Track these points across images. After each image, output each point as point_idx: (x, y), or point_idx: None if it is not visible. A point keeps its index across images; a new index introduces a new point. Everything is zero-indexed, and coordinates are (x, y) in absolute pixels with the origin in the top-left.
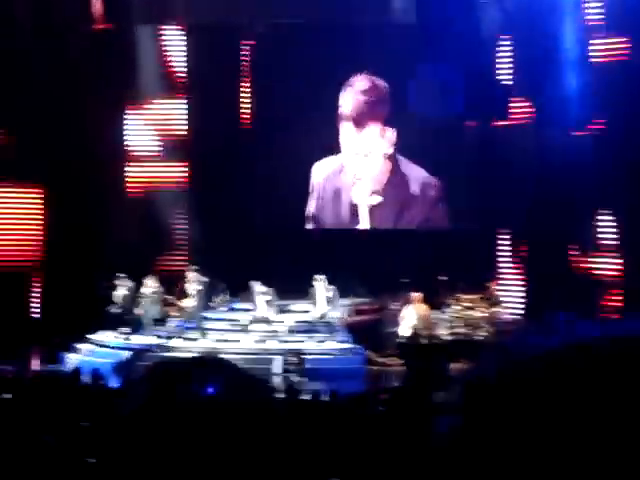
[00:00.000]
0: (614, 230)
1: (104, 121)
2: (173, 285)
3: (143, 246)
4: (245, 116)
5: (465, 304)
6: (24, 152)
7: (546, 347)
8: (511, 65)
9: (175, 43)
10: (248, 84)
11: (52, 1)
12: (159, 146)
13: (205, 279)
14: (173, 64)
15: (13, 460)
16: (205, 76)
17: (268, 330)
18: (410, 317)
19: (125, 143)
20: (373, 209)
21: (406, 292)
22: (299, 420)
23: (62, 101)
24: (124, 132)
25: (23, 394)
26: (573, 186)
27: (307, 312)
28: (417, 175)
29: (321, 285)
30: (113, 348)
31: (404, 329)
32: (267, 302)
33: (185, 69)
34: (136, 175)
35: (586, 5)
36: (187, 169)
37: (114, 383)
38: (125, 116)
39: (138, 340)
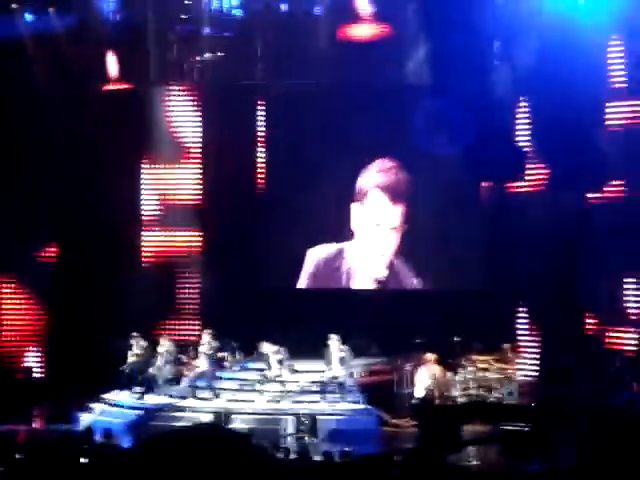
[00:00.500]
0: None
1: (119, 182)
2: (187, 346)
3: (156, 306)
4: (260, 180)
5: (479, 365)
6: (38, 211)
7: None
8: (528, 127)
9: (189, 105)
10: (263, 147)
11: (69, 60)
12: (173, 210)
13: (216, 343)
14: (187, 126)
15: None
16: (219, 138)
17: (281, 390)
18: (424, 378)
19: (140, 205)
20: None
21: (420, 353)
22: None
23: (78, 161)
24: (140, 194)
25: (35, 453)
26: (591, 252)
27: (321, 372)
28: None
29: (335, 345)
30: (126, 408)
31: (418, 390)
32: (279, 361)
33: (200, 131)
34: (151, 242)
35: (609, 68)
36: (201, 235)
37: (126, 443)
38: (141, 179)
39: (151, 400)
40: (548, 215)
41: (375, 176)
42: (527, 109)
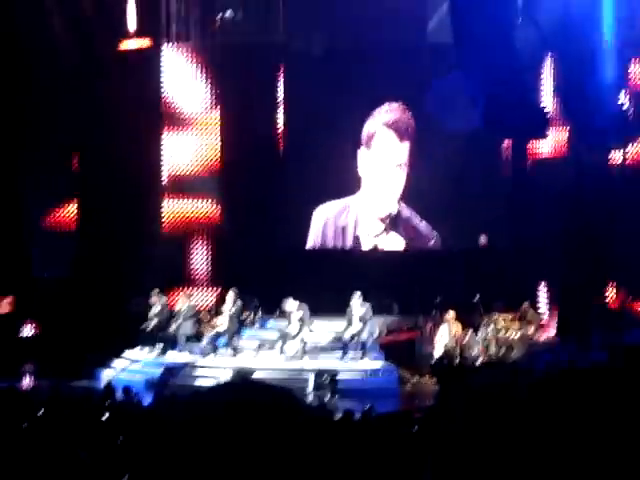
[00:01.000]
0: None
1: (141, 145)
2: (208, 304)
3: (177, 265)
4: (279, 141)
5: (499, 324)
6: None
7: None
8: (551, 88)
9: (206, 65)
10: (283, 107)
11: (89, 15)
12: (194, 177)
13: (238, 301)
14: (206, 85)
15: (49, 476)
16: (239, 99)
17: (301, 348)
18: (443, 336)
19: (161, 168)
20: (376, 245)
21: (440, 311)
22: (331, 439)
23: (101, 123)
24: (161, 157)
25: (58, 410)
26: (613, 216)
27: (342, 331)
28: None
29: (357, 302)
30: (147, 365)
31: (438, 349)
32: (300, 319)
33: (219, 90)
34: (172, 210)
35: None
36: (220, 201)
37: (147, 400)
38: (162, 141)
39: (171, 357)
40: (570, 175)
41: (381, 117)
42: (552, 67)
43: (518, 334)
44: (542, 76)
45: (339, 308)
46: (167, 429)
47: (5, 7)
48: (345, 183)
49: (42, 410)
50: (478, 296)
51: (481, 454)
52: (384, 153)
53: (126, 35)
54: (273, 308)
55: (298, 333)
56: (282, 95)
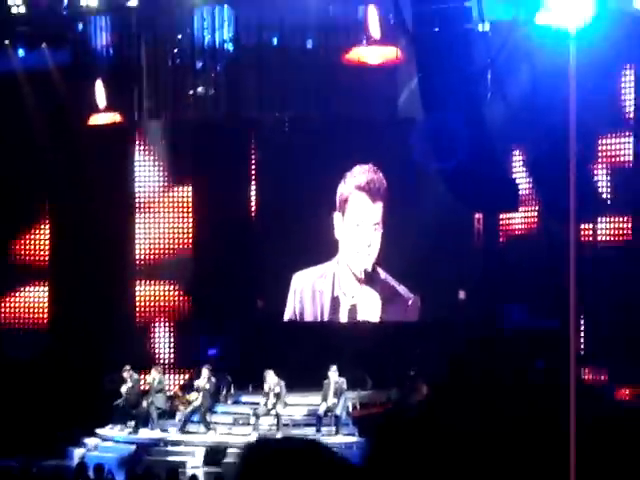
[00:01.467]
0: None
1: (113, 224)
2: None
3: (147, 340)
4: (252, 209)
5: None
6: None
7: None
8: (521, 164)
9: (179, 139)
10: (254, 179)
11: (62, 96)
12: (165, 256)
13: (212, 378)
14: (177, 160)
15: None
16: (212, 167)
17: (275, 423)
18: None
19: (135, 244)
20: (354, 305)
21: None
22: None
23: (73, 199)
24: (136, 232)
25: None
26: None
27: (315, 405)
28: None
29: (333, 376)
30: (119, 442)
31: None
32: (276, 395)
33: (189, 165)
34: (143, 293)
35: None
36: (190, 279)
37: (119, 477)
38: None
39: (144, 434)
40: (542, 250)
41: (353, 179)
42: (520, 152)
43: None
44: (513, 152)
45: (314, 382)
46: None
47: None
48: (322, 247)
49: None
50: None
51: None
52: (358, 215)
53: (99, 115)
54: (246, 383)
55: (273, 408)
56: (254, 166)
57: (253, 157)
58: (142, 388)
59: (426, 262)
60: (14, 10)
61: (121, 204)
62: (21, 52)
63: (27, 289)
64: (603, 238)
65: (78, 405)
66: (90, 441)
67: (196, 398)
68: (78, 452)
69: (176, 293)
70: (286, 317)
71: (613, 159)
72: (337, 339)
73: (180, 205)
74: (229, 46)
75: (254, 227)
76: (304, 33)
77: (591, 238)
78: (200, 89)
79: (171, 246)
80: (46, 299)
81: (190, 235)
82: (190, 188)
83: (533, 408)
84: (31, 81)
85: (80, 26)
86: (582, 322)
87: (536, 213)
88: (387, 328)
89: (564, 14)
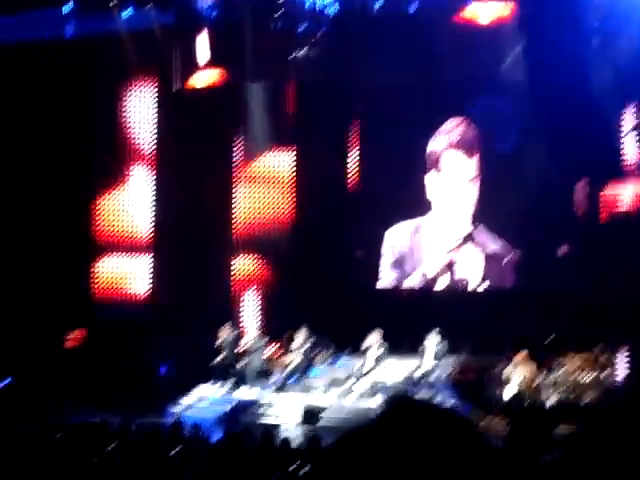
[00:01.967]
0: None
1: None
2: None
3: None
4: (353, 179)
5: (573, 366)
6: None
7: None
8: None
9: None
10: (357, 146)
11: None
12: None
13: (310, 338)
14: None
15: None
16: (314, 129)
17: (372, 387)
18: (515, 377)
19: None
20: (452, 266)
21: (512, 351)
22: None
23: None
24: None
25: (126, 446)
26: None
27: (412, 370)
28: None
29: (433, 341)
30: (215, 402)
31: (509, 390)
32: (376, 358)
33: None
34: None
35: None
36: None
37: (215, 437)
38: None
39: (240, 394)
40: None
41: (446, 136)
42: (631, 117)
43: (590, 378)
44: (622, 122)
45: (410, 347)
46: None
47: None
48: (415, 207)
49: (112, 446)
50: (552, 336)
51: None
52: (453, 173)
53: (197, 70)
54: (345, 345)
55: (370, 371)
56: (357, 132)
57: (355, 122)
58: (239, 350)
59: (524, 219)
60: None
61: (221, 172)
62: (127, 12)
63: (126, 260)
64: None
65: (176, 366)
66: (186, 400)
67: (292, 360)
68: (175, 410)
69: (272, 261)
70: (381, 276)
71: None
72: (435, 305)
73: (281, 173)
74: (331, 10)
75: (356, 197)
76: None
77: None
78: (302, 53)
79: (270, 215)
80: (147, 270)
81: (292, 203)
82: (294, 154)
83: None
84: (136, 40)
85: None
86: None
87: None
88: (485, 295)
89: None
